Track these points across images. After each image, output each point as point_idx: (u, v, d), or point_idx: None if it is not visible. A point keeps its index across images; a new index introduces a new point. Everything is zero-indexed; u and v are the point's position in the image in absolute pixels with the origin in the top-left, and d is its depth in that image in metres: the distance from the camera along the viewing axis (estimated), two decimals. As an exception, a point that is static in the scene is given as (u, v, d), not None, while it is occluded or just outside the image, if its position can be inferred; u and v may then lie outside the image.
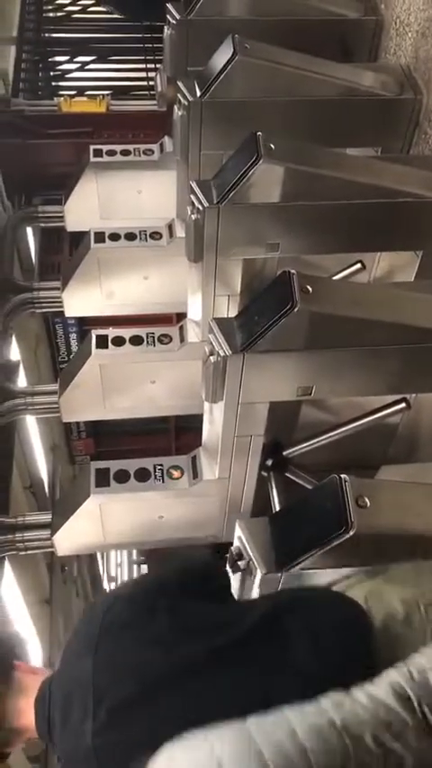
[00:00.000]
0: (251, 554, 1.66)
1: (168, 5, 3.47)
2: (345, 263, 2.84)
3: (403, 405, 2.33)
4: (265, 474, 2.64)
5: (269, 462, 2.62)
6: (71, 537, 2.70)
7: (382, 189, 2.56)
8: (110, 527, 2.68)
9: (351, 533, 1.49)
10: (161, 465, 2.63)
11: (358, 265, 2.78)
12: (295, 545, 1.58)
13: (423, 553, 1.51)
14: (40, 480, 6.10)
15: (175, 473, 2.62)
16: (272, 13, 3.42)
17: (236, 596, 1.76)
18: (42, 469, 6.37)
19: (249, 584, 1.69)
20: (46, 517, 2.80)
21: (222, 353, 2.07)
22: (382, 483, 1.92)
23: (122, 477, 2.59)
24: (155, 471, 2.63)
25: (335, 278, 2.76)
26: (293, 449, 2.62)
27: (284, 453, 2.64)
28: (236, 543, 1.77)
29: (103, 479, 2.58)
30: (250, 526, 1.77)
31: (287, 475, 2.69)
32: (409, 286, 2.47)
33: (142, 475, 2.61)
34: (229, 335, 2.09)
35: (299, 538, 1.60)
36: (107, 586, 9.60)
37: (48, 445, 6.46)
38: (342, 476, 1.61)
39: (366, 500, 1.53)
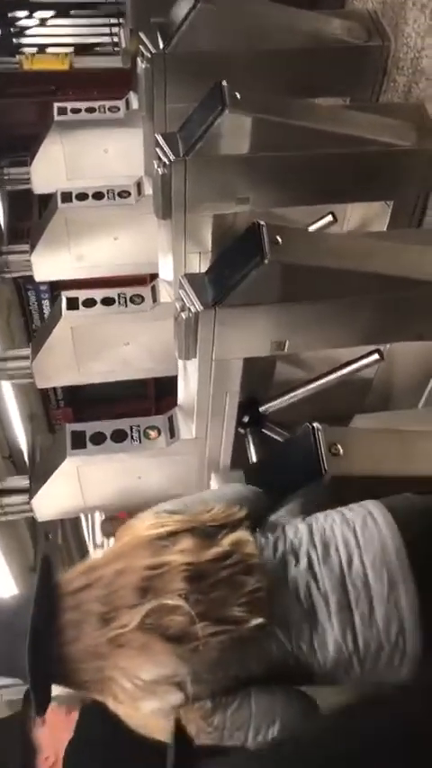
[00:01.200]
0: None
1: None
2: (316, 215, 2.81)
3: (377, 356, 2.32)
4: (242, 431, 2.64)
5: (245, 419, 2.61)
6: (50, 501, 2.69)
7: (352, 138, 2.52)
8: (88, 489, 2.67)
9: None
10: (138, 426, 2.61)
11: (330, 218, 2.76)
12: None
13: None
14: (18, 450, 6.07)
15: (152, 433, 2.60)
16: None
17: None
18: (21, 439, 6.34)
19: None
20: (24, 482, 2.78)
21: (194, 309, 2.04)
22: (355, 431, 1.93)
23: (99, 438, 2.58)
24: (131, 432, 2.61)
25: (307, 227, 2.73)
26: (269, 404, 2.61)
27: (260, 409, 2.64)
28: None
29: (79, 442, 2.56)
30: (226, 479, 1.76)
31: (264, 431, 2.69)
32: (381, 235, 2.45)
33: (119, 436, 2.59)
34: (200, 291, 2.06)
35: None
36: (93, 553, 9.64)
37: (26, 414, 6.42)
38: (314, 425, 1.60)
39: (339, 447, 1.53)
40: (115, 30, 6.00)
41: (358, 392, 2.84)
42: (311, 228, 2.76)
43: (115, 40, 6.00)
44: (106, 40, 6.03)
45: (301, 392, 2.53)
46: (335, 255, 2.04)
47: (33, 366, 3.17)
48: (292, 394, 2.54)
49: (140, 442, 2.61)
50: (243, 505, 1.24)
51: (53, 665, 1.13)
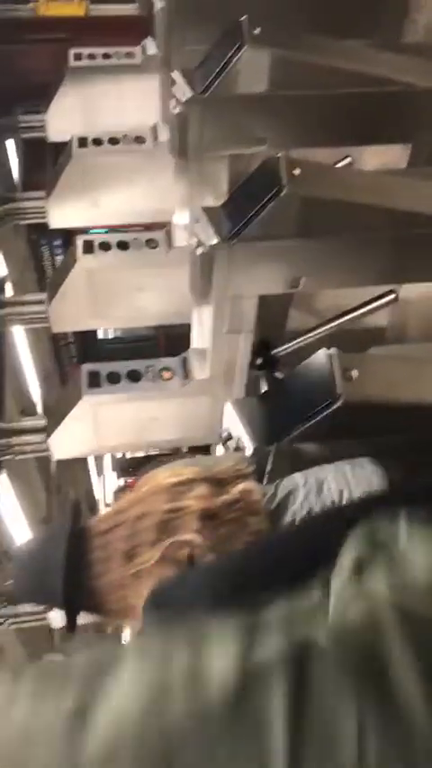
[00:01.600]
0: (241, 431, 1.68)
1: None
2: (333, 160, 2.78)
3: (392, 296, 2.32)
4: (255, 373, 2.65)
5: (258, 361, 2.62)
6: (65, 440, 2.73)
7: (373, 77, 2.48)
8: (103, 429, 2.71)
9: (339, 404, 1.51)
10: (152, 366, 2.63)
11: (348, 160, 2.73)
12: (284, 420, 1.60)
13: (411, 426, 1.53)
14: (33, 406, 6.13)
15: (166, 374, 2.63)
16: None
17: None
18: (36, 396, 6.41)
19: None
20: (41, 422, 2.81)
21: (210, 243, 2.04)
22: (370, 356, 1.94)
23: (114, 378, 2.60)
24: (146, 372, 2.63)
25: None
26: (282, 347, 2.62)
27: (273, 352, 2.65)
28: (225, 424, 1.79)
29: (94, 381, 2.59)
30: (240, 405, 1.78)
31: (276, 375, 2.70)
32: (400, 173, 2.43)
33: (134, 376, 2.62)
34: (217, 224, 2.06)
35: (288, 412, 1.62)
36: (103, 510, 9.79)
37: (40, 371, 6.47)
38: (329, 350, 1.61)
39: (354, 372, 1.54)
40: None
41: (371, 340, 2.84)
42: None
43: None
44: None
45: (313, 334, 2.53)
46: (353, 189, 2.02)
47: (49, 310, 3.19)
48: (304, 336, 2.54)
49: (155, 382, 2.63)
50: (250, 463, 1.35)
51: (84, 596, 1.24)
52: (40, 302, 3.21)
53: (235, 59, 2.37)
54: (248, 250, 2.06)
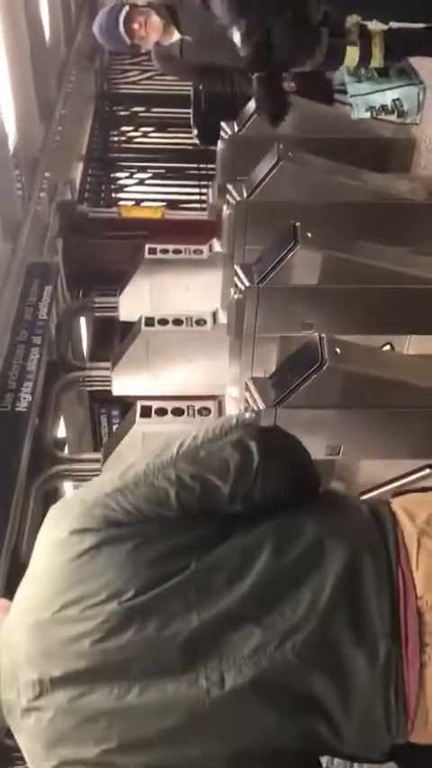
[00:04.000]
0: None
1: (222, 123, 3.93)
2: (376, 344, 3.04)
3: (428, 471, 2.43)
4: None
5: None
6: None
7: (412, 277, 2.80)
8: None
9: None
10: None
11: (388, 347, 2.98)
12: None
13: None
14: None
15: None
16: (316, 132, 3.83)
17: None
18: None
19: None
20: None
21: (256, 408, 2.25)
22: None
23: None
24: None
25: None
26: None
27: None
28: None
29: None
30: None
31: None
32: (433, 358, 2.64)
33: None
34: (264, 392, 2.28)
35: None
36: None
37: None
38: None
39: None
40: (203, 191, 6.78)
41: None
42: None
43: (202, 198, 6.77)
44: (194, 198, 6.81)
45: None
46: (391, 368, 2.24)
47: (103, 469, 3.38)
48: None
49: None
50: None
51: None
52: (96, 460, 3.42)
53: (288, 257, 2.73)
54: (292, 416, 2.25)
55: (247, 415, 2.30)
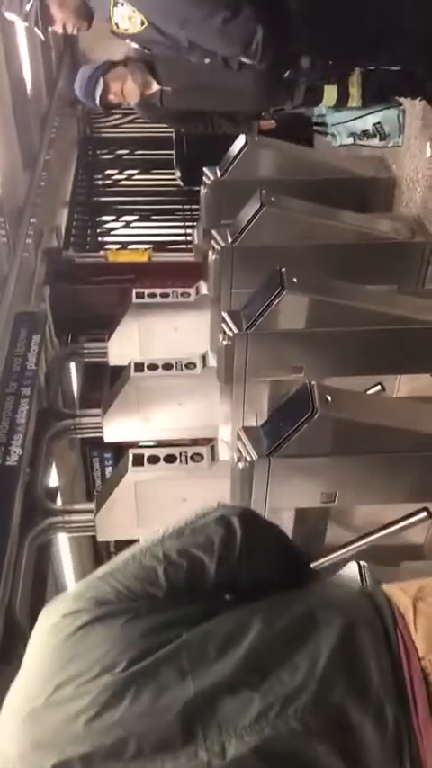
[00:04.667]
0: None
1: (205, 169, 3.97)
2: (366, 384, 3.04)
3: (425, 514, 2.41)
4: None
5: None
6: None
7: (400, 318, 2.81)
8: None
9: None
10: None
11: (378, 387, 2.97)
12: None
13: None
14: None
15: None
16: (296, 174, 3.88)
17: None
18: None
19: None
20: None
21: (249, 458, 2.23)
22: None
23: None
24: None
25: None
26: (318, 562, 2.67)
27: (312, 565, 2.70)
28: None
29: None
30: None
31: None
32: (427, 399, 2.64)
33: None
34: (256, 442, 2.26)
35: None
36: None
37: (79, 572, 6.46)
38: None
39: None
40: (189, 231, 6.83)
41: (407, 556, 2.88)
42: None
43: (189, 239, 6.81)
44: (180, 239, 6.86)
45: (348, 550, 2.59)
46: (382, 413, 2.23)
47: (97, 519, 3.34)
48: (339, 552, 2.60)
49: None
50: None
51: None
52: (88, 511, 3.38)
53: (276, 302, 2.73)
54: (285, 466, 2.23)
55: (241, 465, 2.28)
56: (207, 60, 2.31)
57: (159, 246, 6.38)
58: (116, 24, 2.21)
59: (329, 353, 2.82)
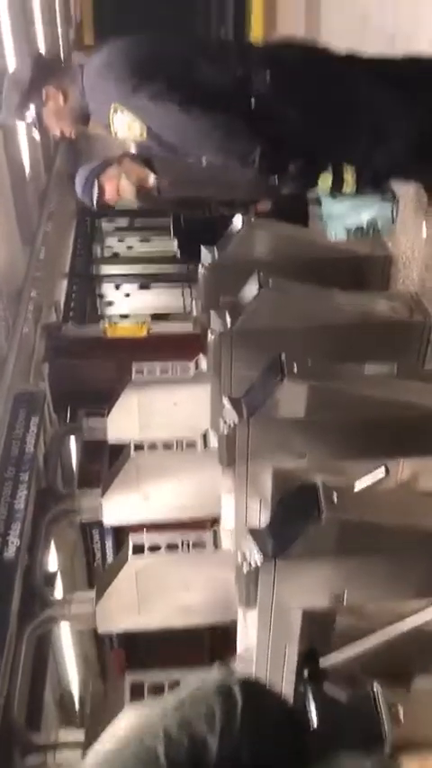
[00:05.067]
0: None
1: (203, 249, 4.00)
2: (371, 466, 2.99)
3: (435, 610, 2.34)
4: (301, 690, 2.59)
5: (305, 673, 2.58)
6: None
7: (402, 403, 2.78)
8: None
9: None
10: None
11: (382, 469, 2.93)
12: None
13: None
14: (70, 694, 5.86)
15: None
16: (292, 254, 3.92)
17: None
18: (73, 682, 6.14)
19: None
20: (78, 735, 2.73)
21: (255, 561, 2.17)
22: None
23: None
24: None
25: (360, 481, 2.89)
26: (330, 658, 2.59)
27: (320, 662, 2.61)
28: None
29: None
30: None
31: (325, 688, 2.63)
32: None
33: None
34: (262, 543, 2.20)
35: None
36: None
37: (80, 656, 6.28)
38: (375, 688, 1.63)
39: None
40: (187, 296, 6.89)
41: (426, 646, 2.79)
42: (364, 481, 2.93)
43: (188, 308, 6.87)
44: (180, 308, 6.91)
45: (362, 646, 2.51)
46: (389, 512, 2.18)
47: (97, 610, 3.25)
48: (353, 649, 2.52)
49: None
50: None
51: None
52: (88, 601, 3.28)
53: (276, 390, 2.71)
54: (291, 568, 2.17)
55: (245, 568, 2.22)
56: (204, 162, 2.35)
57: (159, 316, 6.43)
58: (116, 132, 2.25)
59: (332, 439, 2.79)
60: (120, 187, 2.77)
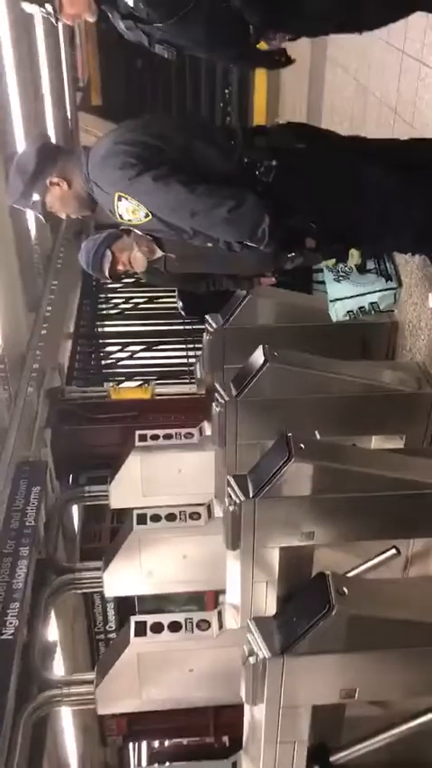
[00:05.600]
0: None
1: (207, 316, 4.00)
2: (380, 546, 2.91)
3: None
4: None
5: (315, 769, 2.45)
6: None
7: (408, 482, 2.72)
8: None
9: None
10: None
11: (393, 551, 2.84)
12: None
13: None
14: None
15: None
16: (297, 320, 3.91)
17: None
18: (72, 754, 5.92)
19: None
20: None
21: (261, 655, 2.08)
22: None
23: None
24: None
25: (370, 563, 2.81)
26: (340, 755, 2.46)
27: (331, 760, 2.48)
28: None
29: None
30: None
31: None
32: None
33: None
34: (268, 636, 2.11)
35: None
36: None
37: (79, 726, 6.06)
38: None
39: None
40: (191, 353, 6.88)
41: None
42: (375, 560, 2.84)
43: (191, 364, 6.86)
44: (183, 360, 6.90)
45: (373, 742, 2.39)
46: (399, 606, 2.09)
47: (97, 692, 3.13)
48: (364, 744, 2.40)
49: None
50: None
51: None
52: (89, 682, 3.17)
53: (284, 470, 2.65)
54: (300, 663, 2.08)
55: (252, 660, 2.13)
56: (209, 244, 2.34)
57: (163, 377, 6.41)
58: (120, 216, 2.25)
59: (341, 519, 2.72)
60: (132, 258, 2.76)
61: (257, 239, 2.19)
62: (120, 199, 2.18)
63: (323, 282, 3.53)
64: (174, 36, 2.11)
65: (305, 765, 2.41)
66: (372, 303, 3.12)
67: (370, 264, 3.33)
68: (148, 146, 2.15)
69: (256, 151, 2.11)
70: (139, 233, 2.80)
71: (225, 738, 5.43)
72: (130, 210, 2.19)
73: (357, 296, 3.13)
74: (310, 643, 2.04)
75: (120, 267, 2.79)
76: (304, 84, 6.63)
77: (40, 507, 3.71)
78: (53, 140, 3.28)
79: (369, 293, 3.12)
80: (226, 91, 9.82)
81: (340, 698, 2.16)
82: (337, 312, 3.17)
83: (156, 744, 7.78)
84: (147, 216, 2.20)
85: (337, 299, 3.15)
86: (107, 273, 2.80)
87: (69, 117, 9.07)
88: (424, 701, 2.31)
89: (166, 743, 7.53)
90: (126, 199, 2.17)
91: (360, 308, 3.16)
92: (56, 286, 6.18)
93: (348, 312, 3.18)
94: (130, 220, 2.26)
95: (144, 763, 8.20)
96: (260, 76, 9.01)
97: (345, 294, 3.14)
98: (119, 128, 2.30)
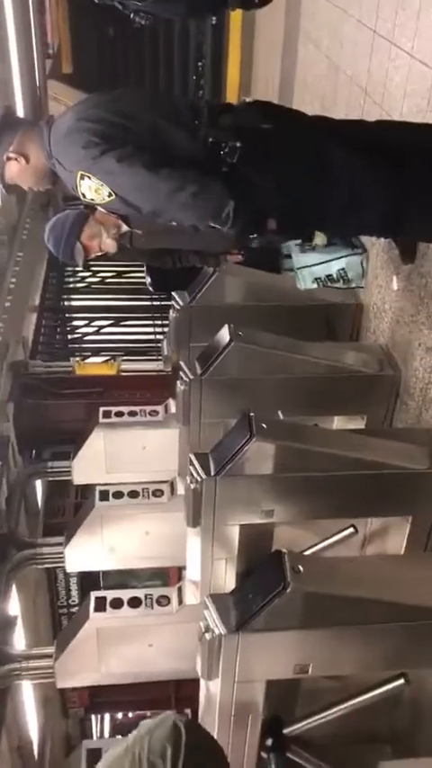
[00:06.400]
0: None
1: (174, 293, 3.98)
2: (338, 524, 2.96)
3: (402, 681, 2.29)
4: (264, 755, 2.52)
5: (269, 742, 2.51)
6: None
7: (368, 462, 2.76)
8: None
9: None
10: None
11: (351, 529, 2.89)
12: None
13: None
14: (29, 740, 5.68)
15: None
16: (264, 300, 3.91)
17: None
18: (33, 727, 5.96)
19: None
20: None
21: (217, 631, 2.10)
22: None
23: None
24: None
25: (328, 541, 2.85)
26: (294, 726, 2.52)
27: (285, 731, 2.54)
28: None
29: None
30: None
31: (288, 755, 2.56)
32: (398, 560, 2.56)
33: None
34: (225, 613, 2.14)
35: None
36: None
37: (40, 698, 6.10)
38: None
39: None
40: (159, 330, 6.84)
41: (388, 710, 2.74)
42: (333, 539, 2.89)
43: (158, 339, 6.82)
44: (150, 337, 6.86)
45: (325, 715, 2.45)
46: (355, 584, 2.13)
47: (56, 666, 3.15)
48: (317, 716, 2.46)
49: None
50: None
51: None
52: (48, 656, 3.18)
53: (245, 449, 2.66)
54: (255, 639, 2.11)
55: (208, 636, 2.15)
56: (174, 223, 2.32)
57: (131, 350, 6.37)
58: (83, 194, 2.22)
59: (300, 498, 2.75)
60: (103, 244, 2.77)
61: (221, 221, 2.18)
62: (83, 177, 2.15)
63: (290, 257, 3.52)
64: (153, 9, 2.07)
65: (259, 737, 2.47)
66: (339, 270, 3.13)
67: (335, 240, 3.34)
68: (112, 124, 2.12)
69: (221, 130, 2.09)
70: (104, 210, 2.77)
71: (188, 711, 5.52)
72: (93, 189, 2.16)
73: (324, 263, 3.13)
74: (266, 620, 2.07)
75: (91, 254, 2.79)
76: (277, 60, 6.57)
77: (1, 481, 3.69)
78: (19, 111, 3.21)
79: (335, 259, 3.13)
80: (199, 63, 9.66)
81: (294, 673, 2.20)
82: (305, 279, 3.18)
83: (119, 716, 7.86)
84: (110, 195, 2.17)
85: (305, 266, 3.15)
86: (80, 264, 2.81)
87: (38, 85, 8.85)
88: (378, 674, 2.38)
89: (130, 714, 7.61)
90: (89, 178, 2.13)
91: (328, 275, 3.16)
92: (21, 258, 6.09)
93: (316, 279, 3.18)
94: (92, 199, 2.23)
95: (107, 734, 8.30)
96: (234, 49, 8.89)
97: (312, 262, 3.15)
98: (83, 101, 2.25)
